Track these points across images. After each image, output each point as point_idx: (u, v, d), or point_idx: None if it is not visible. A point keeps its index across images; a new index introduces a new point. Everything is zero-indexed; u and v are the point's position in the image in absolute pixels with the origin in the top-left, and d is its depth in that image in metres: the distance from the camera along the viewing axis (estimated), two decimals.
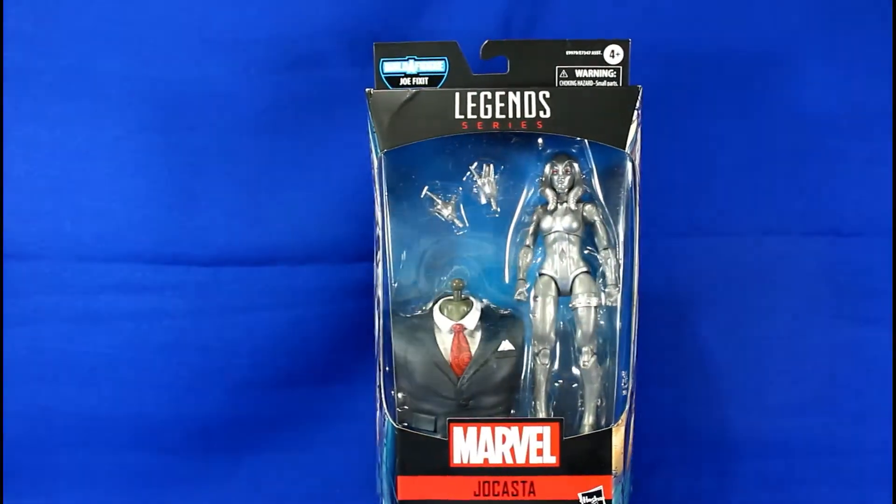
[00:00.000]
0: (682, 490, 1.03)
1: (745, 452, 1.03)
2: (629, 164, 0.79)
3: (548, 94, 0.76)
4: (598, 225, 0.81)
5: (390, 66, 0.78)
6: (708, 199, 1.02)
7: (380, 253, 0.78)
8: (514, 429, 0.76)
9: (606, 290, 0.81)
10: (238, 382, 0.93)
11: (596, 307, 0.80)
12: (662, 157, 1.01)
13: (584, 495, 0.77)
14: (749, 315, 1.03)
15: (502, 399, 0.80)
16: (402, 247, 0.81)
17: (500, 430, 0.75)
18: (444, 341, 0.79)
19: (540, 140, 0.81)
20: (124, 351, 0.91)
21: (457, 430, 0.75)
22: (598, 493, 0.77)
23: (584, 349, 0.80)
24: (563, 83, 0.79)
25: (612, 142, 0.78)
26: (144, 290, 0.91)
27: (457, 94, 0.75)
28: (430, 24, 0.93)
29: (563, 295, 0.81)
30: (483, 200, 0.81)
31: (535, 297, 0.80)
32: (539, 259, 0.82)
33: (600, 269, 0.82)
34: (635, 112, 0.79)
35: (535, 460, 0.76)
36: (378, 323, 0.82)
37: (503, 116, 0.76)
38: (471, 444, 0.75)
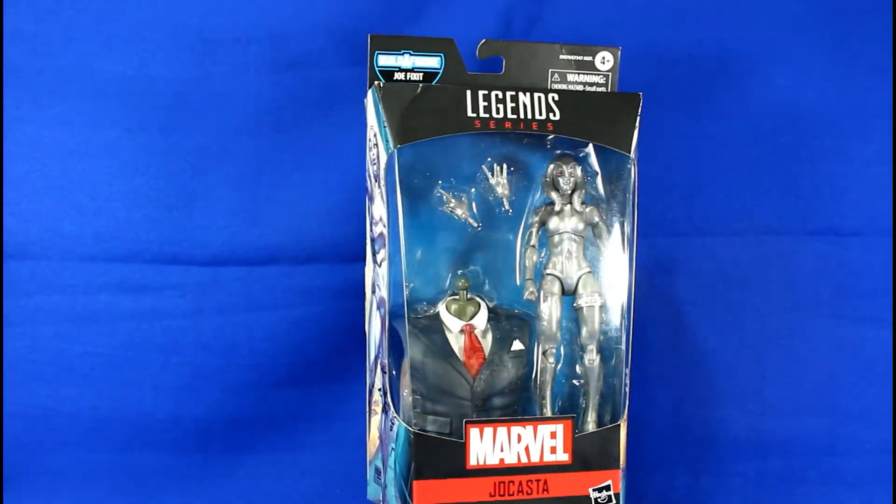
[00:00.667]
0: (682, 490, 1.03)
1: (745, 452, 1.03)
2: (632, 168, 0.80)
3: (556, 97, 0.77)
4: (602, 226, 0.81)
5: (385, 60, 0.77)
6: (708, 199, 1.02)
7: (384, 251, 0.75)
8: (529, 428, 0.75)
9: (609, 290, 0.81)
10: (237, 382, 0.93)
11: (600, 306, 0.80)
12: (663, 157, 1.01)
13: (594, 490, 0.77)
14: (749, 315, 1.03)
15: (513, 399, 0.80)
16: (418, 245, 0.79)
17: (516, 429, 0.75)
18: (457, 342, 0.78)
19: (550, 137, 0.80)
20: (124, 351, 0.91)
21: (473, 432, 0.74)
22: (608, 488, 0.77)
23: (589, 347, 0.80)
24: (556, 86, 0.80)
25: (618, 146, 0.79)
26: (144, 290, 0.91)
27: (468, 92, 0.74)
28: (430, 24, 0.93)
29: (566, 294, 0.81)
30: (496, 199, 0.80)
31: (543, 296, 0.80)
32: (543, 259, 0.82)
33: (602, 270, 0.82)
34: (637, 118, 0.80)
35: (548, 458, 0.75)
36: (369, 323, 0.81)
37: (514, 116, 0.75)
38: (487, 445, 0.74)
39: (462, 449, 0.73)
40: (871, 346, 1.03)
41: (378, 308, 0.77)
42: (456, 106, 0.74)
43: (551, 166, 0.80)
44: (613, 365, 0.82)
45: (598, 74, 0.83)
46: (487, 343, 0.78)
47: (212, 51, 0.90)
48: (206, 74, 0.90)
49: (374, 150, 0.76)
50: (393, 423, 0.75)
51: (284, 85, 0.91)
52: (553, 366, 0.80)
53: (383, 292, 0.75)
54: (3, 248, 0.88)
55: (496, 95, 0.75)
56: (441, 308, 0.79)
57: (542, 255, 0.81)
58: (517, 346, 0.79)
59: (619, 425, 0.79)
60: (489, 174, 0.80)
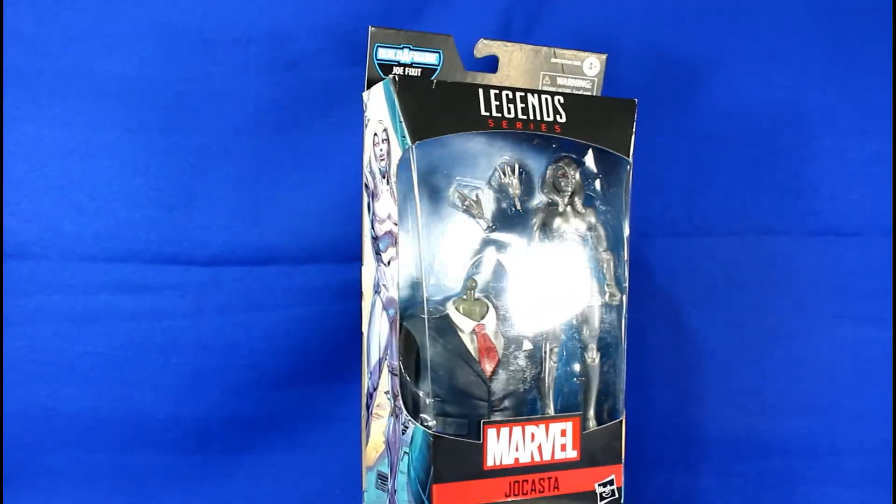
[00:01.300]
0: (682, 490, 1.03)
1: (745, 452, 1.03)
2: (628, 171, 0.81)
3: (562, 100, 0.77)
4: (600, 227, 0.82)
5: (384, 53, 0.76)
6: (708, 199, 1.02)
7: (393, 250, 0.73)
8: (542, 426, 0.75)
9: (609, 289, 0.82)
10: (237, 382, 0.93)
11: (601, 306, 0.81)
12: (663, 157, 1.01)
13: (599, 485, 0.78)
14: (749, 315, 1.03)
15: (523, 399, 0.80)
16: (433, 244, 0.77)
17: (530, 428, 0.75)
18: (471, 343, 0.77)
19: (556, 140, 0.81)
20: (124, 351, 0.91)
21: (490, 432, 0.73)
22: (611, 483, 0.79)
23: (590, 346, 0.81)
24: (546, 88, 0.80)
25: (618, 149, 0.80)
26: (144, 290, 0.91)
27: (480, 91, 0.74)
28: (429, 24, 0.93)
29: None
30: (508, 200, 0.80)
31: None
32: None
33: (602, 270, 0.82)
34: (634, 123, 0.81)
35: (559, 456, 0.76)
36: (369, 325, 0.80)
37: (524, 117, 0.75)
38: (503, 445, 0.74)
39: (480, 450, 0.73)
40: (871, 346, 1.03)
41: (385, 309, 0.76)
42: (469, 104, 0.73)
43: (552, 168, 0.81)
44: (611, 362, 0.82)
45: (585, 79, 0.85)
46: (500, 343, 0.78)
47: (212, 51, 0.90)
48: (206, 74, 0.90)
49: (384, 146, 0.74)
50: (407, 427, 0.73)
51: (284, 85, 0.91)
52: (556, 364, 0.80)
53: (392, 292, 0.74)
54: (3, 248, 0.88)
55: (507, 95, 0.75)
56: (451, 309, 0.78)
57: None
58: (527, 345, 0.79)
59: (621, 421, 0.80)
60: (502, 174, 0.80)
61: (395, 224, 0.73)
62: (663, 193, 1.01)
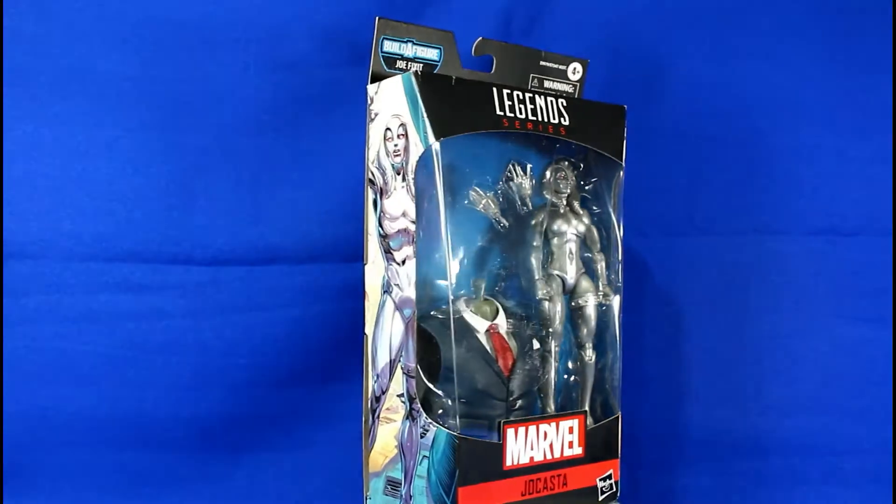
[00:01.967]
0: (682, 490, 1.03)
1: (744, 452, 1.03)
2: (621, 174, 0.82)
3: (564, 103, 0.78)
4: (594, 229, 0.83)
5: (390, 46, 0.76)
6: (708, 199, 1.02)
7: (408, 249, 0.71)
8: (553, 424, 0.76)
9: (601, 289, 0.83)
10: (237, 382, 0.93)
11: (596, 305, 0.83)
12: (663, 157, 1.01)
13: (600, 480, 0.80)
14: (749, 315, 1.03)
15: (533, 398, 0.80)
16: (460, 243, 0.77)
17: (543, 427, 0.75)
18: (488, 343, 0.77)
19: (559, 141, 0.81)
20: (124, 351, 0.91)
21: (510, 432, 0.73)
22: (610, 477, 0.80)
23: (587, 344, 0.83)
24: (535, 90, 0.81)
25: (612, 153, 0.82)
26: (144, 290, 0.91)
27: (494, 90, 0.74)
28: (430, 23, 0.93)
29: (565, 293, 0.82)
30: (519, 199, 0.81)
31: (549, 295, 0.81)
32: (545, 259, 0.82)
33: (596, 270, 0.84)
34: (625, 129, 0.82)
35: (567, 453, 0.77)
36: (377, 326, 0.77)
37: (535, 118, 0.76)
38: (520, 445, 0.74)
39: (500, 450, 0.73)
40: (870, 346, 1.03)
41: (399, 309, 0.73)
42: (486, 103, 0.73)
43: (552, 169, 0.82)
44: (606, 360, 0.84)
45: (569, 83, 0.87)
46: (513, 343, 0.79)
47: (212, 51, 0.90)
48: (206, 74, 0.90)
49: (399, 141, 0.72)
50: (426, 430, 0.71)
51: (284, 85, 0.91)
52: (557, 363, 0.81)
53: (408, 292, 0.72)
54: (3, 248, 0.88)
55: (517, 96, 0.75)
56: (463, 308, 0.77)
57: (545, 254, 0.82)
58: (535, 344, 0.80)
59: (618, 417, 0.81)
60: (514, 173, 0.80)
61: (413, 222, 0.71)
62: (663, 193, 1.01)
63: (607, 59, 0.99)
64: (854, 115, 1.02)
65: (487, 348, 0.77)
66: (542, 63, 0.85)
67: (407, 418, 0.73)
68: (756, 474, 1.03)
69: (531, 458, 0.74)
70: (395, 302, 0.73)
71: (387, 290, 0.74)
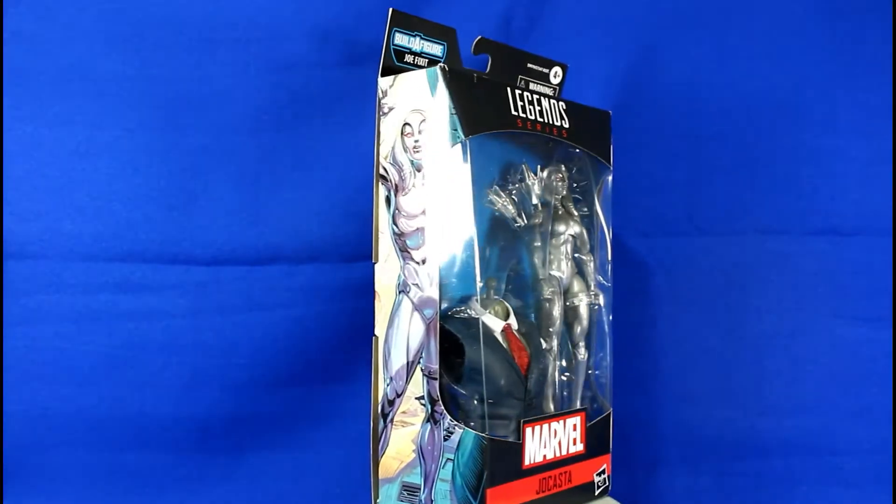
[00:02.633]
0: (682, 490, 1.03)
1: (745, 452, 1.03)
2: (610, 177, 0.84)
3: (564, 106, 0.78)
4: (584, 230, 0.84)
5: (400, 39, 0.75)
6: (708, 199, 1.02)
7: (427, 247, 0.69)
8: (560, 422, 0.77)
9: (592, 289, 0.85)
10: (238, 382, 0.93)
11: (587, 304, 0.83)
12: (663, 157, 1.01)
13: (596, 475, 0.81)
14: (749, 315, 1.03)
15: (542, 397, 0.81)
16: (486, 243, 0.76)
17: (554, 425, 0.76)
18: (504, 343, 0.77)
19: (558, 142, 0.82)
20: (124, 351, 0.91)
21: (528, 431, 0.73)
22: (603, 472, 0.82)
23: (580, 343, 0.84)
24: (519, 91, 0.81)
25: (603, 156, 0.84)
26: (144, 290, 0.91)
27: (508, 89, 0.74)
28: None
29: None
30: (534, 200, 0.81)
31: (553, 295, 0.81)
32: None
33: (586, 271, 0.85)
34: (611, 134, 0.84)
35: (571, 450, 0.78)
36: (391, 326, 0.75)
37: (542, 120, 0.76)
38: (536, 443, 0.74)
39: (519, 449, 0.73)
40: (870, 346, 1.03)
41: (419, 309, 0.71)
42: (503, 102, 0.73)
43: (548, 171, 0.82)
44: (595, 358, 0.85)
45: (549, 87, 0.88)
46: (526, 342, 0.79)
47: (212, 51, 0.90)
48: (206, 74, 0.90)
49: (419, 137, 0.70)
50: (451, 432, 0.69)
51: (284, 85, 0.91)
52: (556, 362, 0.82)
53: (429, 292, 0.70)
54: (3, 248, 0.88)
55: (527, 97, 0.75)
56: (478, 309, 0.75)
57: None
58: (543, 343, 0.80)
59: (609, 413, 0.83)
60: (527, 174, 0.80)
61: (433, 220, 0.70)
62: (663, 193, 1.01)
63: (607, 59, 0.99)
64: (854, 115, 1.02)
65: (505, 348, 0.77)
66: (529, 65, 0.86)
67: (428, 421, 0.71)
68: (756, 474, 1.03)
69: (544, 457, 0.75)
70: (413, 302, 0.71)
71: (403, 289, 0.72)
